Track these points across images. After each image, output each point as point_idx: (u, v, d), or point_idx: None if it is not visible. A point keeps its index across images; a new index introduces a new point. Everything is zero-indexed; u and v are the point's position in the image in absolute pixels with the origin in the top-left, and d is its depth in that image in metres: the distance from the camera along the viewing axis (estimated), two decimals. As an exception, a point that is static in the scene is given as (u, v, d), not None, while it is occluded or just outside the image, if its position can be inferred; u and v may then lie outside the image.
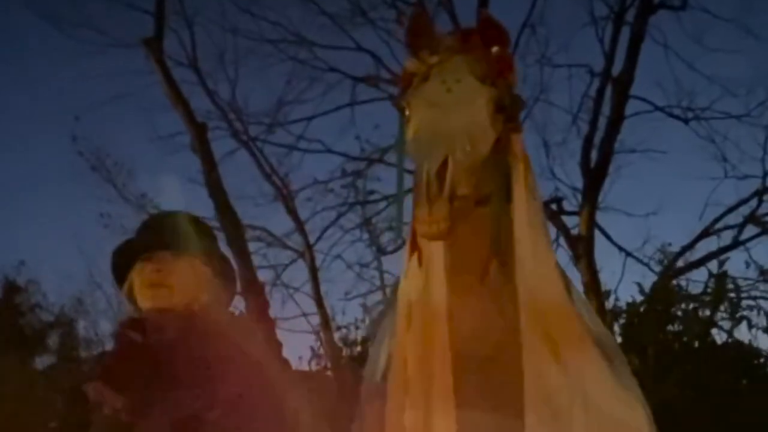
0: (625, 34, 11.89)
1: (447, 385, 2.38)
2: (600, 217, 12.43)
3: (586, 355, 2.46)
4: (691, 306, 7.71)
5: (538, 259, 2.47)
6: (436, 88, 2.48)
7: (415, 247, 2.53)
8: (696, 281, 10.42)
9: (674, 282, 8.63)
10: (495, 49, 2.53)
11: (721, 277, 7.89)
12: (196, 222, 2.77)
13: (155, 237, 2.61)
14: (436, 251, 2.44)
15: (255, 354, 2.47)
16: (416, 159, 2.34)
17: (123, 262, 2.58)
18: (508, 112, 2.50)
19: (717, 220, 12.53)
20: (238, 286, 2.72)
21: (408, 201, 2.56)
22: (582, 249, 11.03)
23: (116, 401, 2.31)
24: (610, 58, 11.97)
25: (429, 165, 2.23)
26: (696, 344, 7.39)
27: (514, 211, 2.47)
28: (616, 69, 11.83)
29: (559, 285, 2.51)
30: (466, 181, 2.32)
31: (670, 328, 7.52)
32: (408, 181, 2.62)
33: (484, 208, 2.42)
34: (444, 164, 2.23)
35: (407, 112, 2.52)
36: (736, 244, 12.14)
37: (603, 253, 12.52)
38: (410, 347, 2.49)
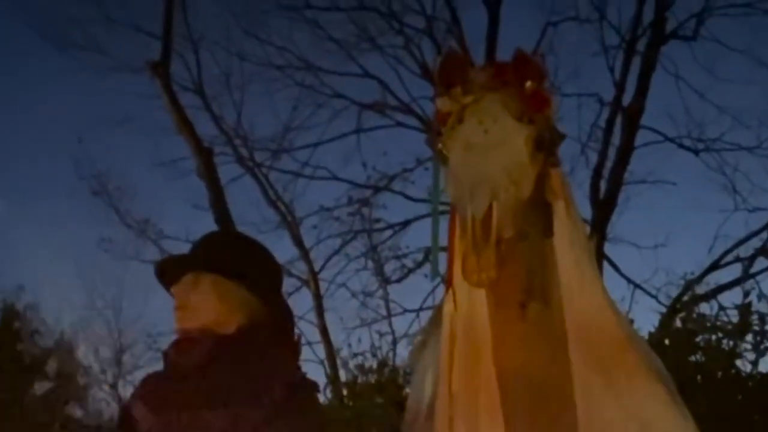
0: (636, 63, 11.85)
1: (496, 418, 2.36)
2: (608, 249, 12.36)
3: (641, 383, 2.42)
4: (714, 337, 7.56)
5: (586, 289, 2.45)
6: (473, 129, 2.44)
7: (450, 284, 2.52)
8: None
9: (695, 313, 8.48)
10: (528, 84, 2.49)
11: (746, 308, 7.74)
12: (236, 241, 2.70)
13: (183, 258, 2.60)
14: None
15: (284, 379, 2.40)
16: (459, 203, 2.35)
17: (164, 284, 2.57)
18: (547, 148, 2.47)
19: (727, 252, 12.48)
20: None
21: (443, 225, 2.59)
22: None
23: (150, 420, 2.33)
24: (620, 88, 11.93)
25: (474, 211, 2.24)
26: (719, 375, 7.23)
27: (556, 245, 2.45)
28: (627, 99, 11.77)
29: (610, 314, 2.48)
30: (510, 223, 2.33)
31: (692, 358, 7.37)
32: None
33: (523, 243, 2.41)
34: (489, 209, 2.24)
35: (444, 154, 2.48)
36: (746, 277, 12.04)
37: (611, 284, 12.44)
38: (455, 380, 2.46)
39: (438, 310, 2.68)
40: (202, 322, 2.45)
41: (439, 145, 2.50)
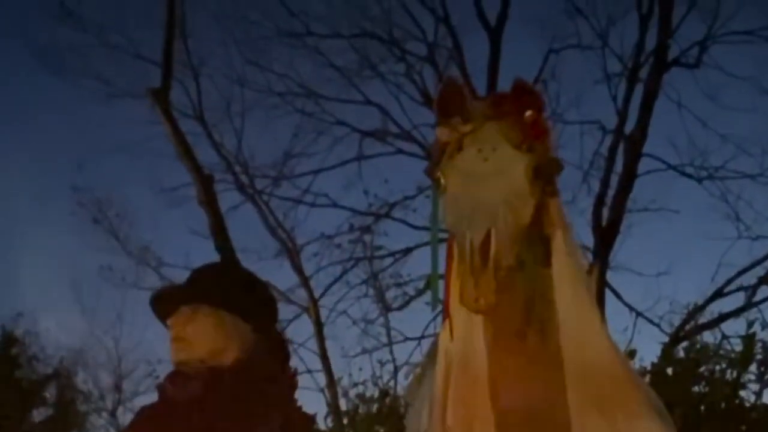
0: (639, 91, 11.84)
1: None
2: (610, 277, 12.31)
3: (639, 420, 2.40)
4: (717, 367, 7.49)
5: (583, 322, 2.44)
6: (472, 157, 2.43)
7: (447, 314, 2.51)
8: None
9: (698, 342, 8.42)
10: (528, 113, 2.48)
11: (750, 338, 7.67)
12: (231, 273, 2.72)
13: (179, 289, 2.58)
14: (476, 315, 2.40)
15: (281, 411, 2.41)
16: (457, 231, 2.34)
17: (159, 316, 2.56)
18: (546, 177, 2.46)
19: (730, 281, 12.42)
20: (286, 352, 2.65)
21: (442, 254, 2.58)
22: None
23: None
24: (622, 115, 11.92)
25: (472, 238, 2.23)
26: (723, 405, 7.15)
27: (553, 275, 2.44)
28: (629, 126, 11.76)
29: (608, 349, 2.47)
30: (508, 250, 2.31)
31: (696, 389, 7.30)
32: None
33: (521, 273, 2.40)
34: (487, 236, 2.22)
35: (443, 182, 2.48)
36: (749, 305, 11.98)
37: (613, 312, 12.39)
38: (450, 413, 2.44)
39: (435, 342, 2.66)
40: (198, 354, 2.43)
41: (438, 174, 2.49)
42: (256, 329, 2.50)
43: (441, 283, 2.60)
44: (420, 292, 13.35)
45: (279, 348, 2.56)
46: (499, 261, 2.24)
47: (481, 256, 2.21)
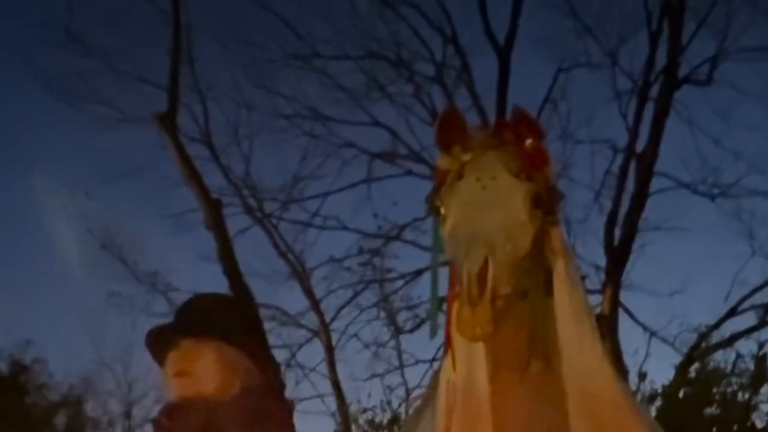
0: (649, 109, 11.80)
1: None
2: (623, 296, 12.23)
3: None
4: (729, 390, 7.44)
5: (585, 351, 2.41)
6: (471, 185, 2.41)
7: (449, 345, 2.48)
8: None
9: (711, 364, 8.35)
10: (529, 142, 2.45)
11: (762, 360, 7.60)
12: (230, 305, 2.68)
13: (180, 323, 2.54)
14: (477, 345, 2.37)
15: None
16: (455, 259, 2.31)
17: (156, 350, 2.51)
18: (546, 206, 2.43)
19: (744, 299, 12.31)
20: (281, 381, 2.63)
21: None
22: (605, 329, 10.81)
23: None
24: (633, 134, 11.89)
25: (469, 266, 2.20)
26: (735, 428, 7.10)
27: (555, 304, 2.42)
28: (640, 145, 11.72)
29: (610, 376, 2.44)
30: (507, 280, 2.29)
31: (708, 411, 7.24)
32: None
33: (523, 302, 2.38)
34: (484, 265, 2.20)
35: (442, 211, 2.45)
36: (763, 324, 11.88)
37: (626, 332, 12.30)
38: None
39: (436, 373, 2.64)
40: (206, 389, 2.39)
41: (437, 203, 2.46)
42: (257, 361, 2.46)
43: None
44: (431, 315, 13.27)
45: (275, 377, 2.53)
46: (497, 290, 2.21)
47: (479, 285, 2.18)
